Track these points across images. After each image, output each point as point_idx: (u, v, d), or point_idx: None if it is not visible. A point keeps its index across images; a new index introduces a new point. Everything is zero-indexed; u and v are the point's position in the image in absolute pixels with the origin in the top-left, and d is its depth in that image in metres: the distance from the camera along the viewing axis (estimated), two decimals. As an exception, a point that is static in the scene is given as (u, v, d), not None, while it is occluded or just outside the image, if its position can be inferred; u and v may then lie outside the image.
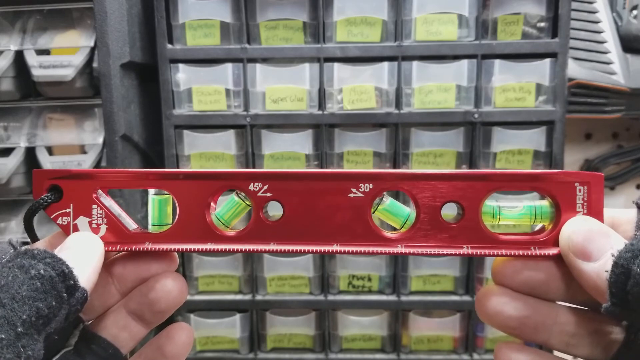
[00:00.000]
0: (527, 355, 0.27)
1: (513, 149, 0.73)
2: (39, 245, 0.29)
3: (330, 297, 0.77)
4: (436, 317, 0.78)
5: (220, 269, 0.78)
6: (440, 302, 0.76)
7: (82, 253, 0.26)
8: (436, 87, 0.71)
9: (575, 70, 0.78)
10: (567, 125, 0.72)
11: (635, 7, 0.79)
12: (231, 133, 0.74)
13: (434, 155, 0.73)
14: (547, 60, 0.70)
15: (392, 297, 0.76)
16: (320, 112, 0.72)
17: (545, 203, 0.28)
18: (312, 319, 0.78)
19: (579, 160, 0.91)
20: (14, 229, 0.74)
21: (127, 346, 0.30)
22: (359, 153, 0.74)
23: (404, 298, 0.76)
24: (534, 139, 0.72)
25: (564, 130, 0.71)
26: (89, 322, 0.30)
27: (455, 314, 0.77)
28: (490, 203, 0.28)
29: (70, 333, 0.28)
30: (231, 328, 0.78)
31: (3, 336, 0.21)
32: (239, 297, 0.78)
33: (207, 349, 0.79)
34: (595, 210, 0.27)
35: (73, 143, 0.73)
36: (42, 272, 0.23)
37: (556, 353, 0.28)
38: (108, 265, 0.29)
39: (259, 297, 0.77)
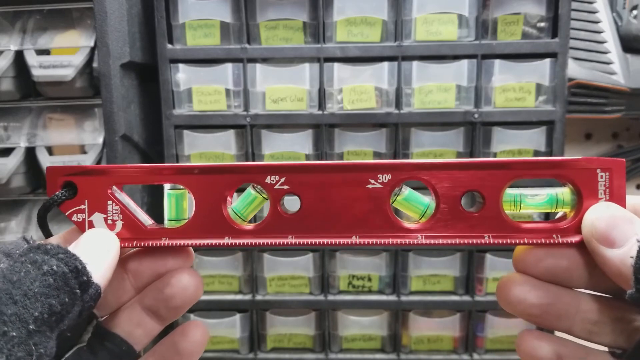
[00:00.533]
0: (549, 343, 0.27)
1: (513, 149, 0.73)
2: (53, 241, 0.28)
3: (330, 297, 0.77)
4: (436, 317, 0.78)
5: (220, 269, 0.78)
6: (440, 302, 0.76)
7: (97, 249, 0.26)
8: (436, 87, 0.71)
9: (575, 70, 0.78)
10: (567, 125, 0.72)
11: (635, 7, 0.79)
12: (231, 133, 0.74)
13: (434, 155, 0.73)
14: (547, 60, 0.70)
15: (392, 297, 0.76)
16: (320, 112, 0.72)
17: (567, 190, 0.28)
18: (312, 319, 0.78)
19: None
20: (14, 229, 0.74)
21: (141, 343, 0.29)
22: (359, 153, 0.74)
23: (404, 298, 0.76)
24: (534, 139, 0.72)
25: (564, 130, 0.71)
26: (103, 318, 0.29)
27: (455, 314, 0.77)
28: (511, 191, 0.28)
29: (84, 329, 0.28)
30: (231, 328, 0.78)
31: (15, 334, 0.21)
32: (239, 297, 0.78)
33: (207, 349, 0.79)
34: (617, 197, 0.27)
35: (73, 143, 0.73)
36: (55, 267, 0.23)
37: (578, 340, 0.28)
38: (123, 260, 0.29)
39: (259, 297, 0.77)
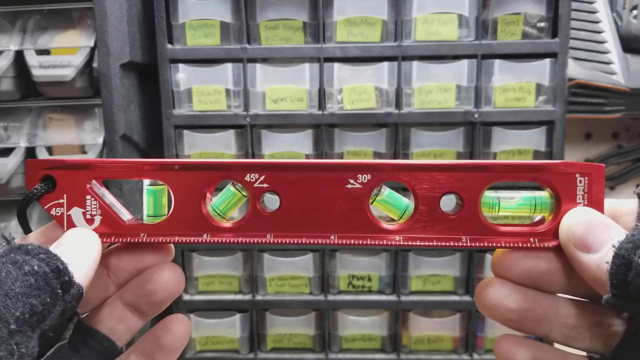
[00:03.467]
0: (527, 348, 0.27)
1: (513, 149, 0.73)
2: (32, 236, 0.29)
3: (330, 297, 0.77)
4: (436, 317, 0.78)
5: (220, 269, 0.78)
6: (440, 302, 0.76)
7: (78, 249, 0.26)
8: (436, 87, 0.71)
9: (575, 70, 0.78)
10: (567, 125, 0.72)
11: (635, 7, 0.79)
12: (231, 133, 0.74)
13: (434, 155, 0.73)
14: (547, 60, 0.70)
15: (392, 297, 0.76)
16: (320, 112, 0.72)
17: (545, 194, 0.28)
18: (312, 319, 0.78)
19: (579, 161, 0.91)
20: (14, 229, 0.74)
21: (123, 339, 0.29)
22: (359, 153, 0.74)
23: (404, 298, 0.76)
24: (534, 139, 0.72)
25: (564, 130, 0.71)
26: (84, 315, 0.29)
27: (455, 314, 0.77)
28: (490, 194, 0.28)
29: (65, 326, 0.28)
30: (231, 328, 0.78)
31: None
32: (239, 297, 0.78)
33: (207, 349, 0.79)
34: (595, 202, 0.27)
35: (73, 143, 0.73)
36: (36, 268, 0.23)
37: (556, 345, 0.28)
38: (103, 257, 0.29)
39: (259, 297, 0.77)
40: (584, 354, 0.27)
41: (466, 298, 0.76)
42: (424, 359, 0.78)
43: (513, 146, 0.73)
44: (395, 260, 0.76)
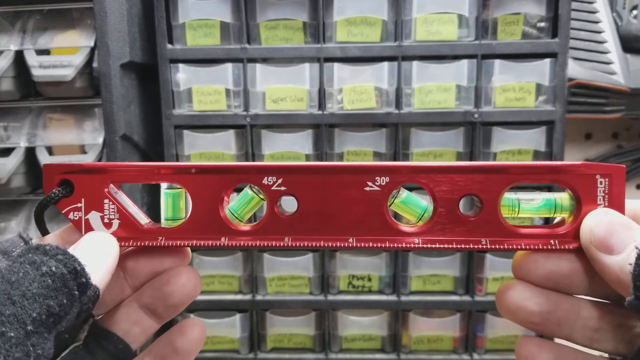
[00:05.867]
0: (549, 351, 0.27)
1: (513, 149, 0.73)
2: (50, 238, 0.29)
3: (330, 297, 0.77)
4: (436, 317, 0.78)
5: (220, 269, 0.78)
6: (440, 302, 0.76)
7: (97, 251, 0.26)
8: (436, 87, 0.71)
9: (575, 70, 0.78)
10: (567, 125, 0.72)
11: (635, 7, 0.79)
12: (231, 133, 0.74)
13: (434, 155, 0.73)
14: (547, 60, 0.70)
15: (392, 297, 0.76)
16: (320, 112, 0.72)
17: (565, 195, 0.28)
18: (312, 319, 0.78)
19: (579, 161, 0.91)
20: (14, 229, 0.74)
21: (137, 341, 0.29)
22: (359, 153, 0.74)
23: (404, 298, 0.76)
24: (534, 139, 0.72)
25: (564, 130, 0.71)
26: (99, 317, 0.29)
27: (455, 314, 0.77)
28: (510, 195, 0.28)
29: (80, 328, 0.28)
30: (231, 328, 0.78)
31: (12, 334, 0.21)
32: (239, 297, 0.78)
33: (207, 349, 0.79)
34: (616, 203, 0.27)
35: (73, 143, 0.73)
36: (53, 269, 0.23)
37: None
38: (120, 259, 0.28)
39: (259, 297, 0.77)
40: (606, 355, 0.27)
41: (466, 298, 0.76)
42: (424, 359, 0.78)
43: (513, 146, 0.73)
44: (395, 260, 0.76)
